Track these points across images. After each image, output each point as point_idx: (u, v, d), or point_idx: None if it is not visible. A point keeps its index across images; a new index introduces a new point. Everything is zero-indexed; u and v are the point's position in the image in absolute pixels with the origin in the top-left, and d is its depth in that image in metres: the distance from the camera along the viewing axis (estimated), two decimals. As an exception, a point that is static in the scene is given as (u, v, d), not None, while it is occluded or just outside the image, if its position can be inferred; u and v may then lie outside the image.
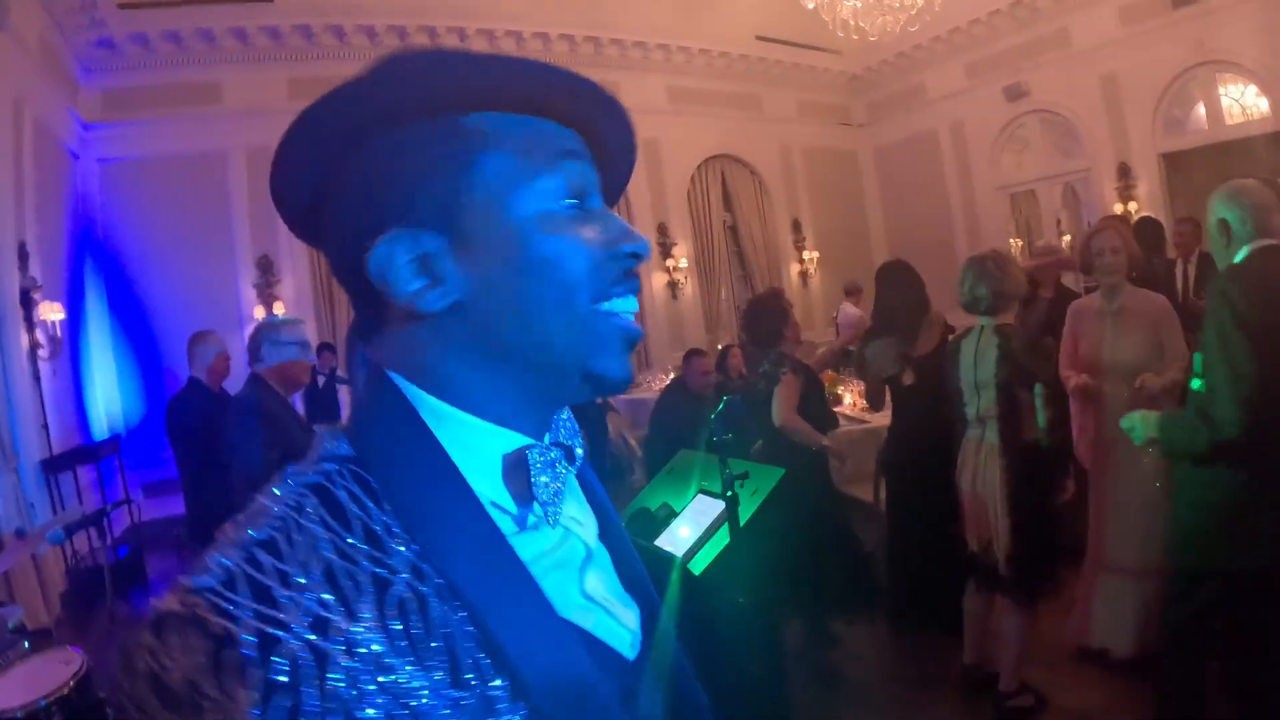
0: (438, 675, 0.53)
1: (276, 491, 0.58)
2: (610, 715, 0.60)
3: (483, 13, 9.05)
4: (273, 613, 0.50)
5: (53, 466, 5.79)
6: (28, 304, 5.83)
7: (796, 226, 11.22)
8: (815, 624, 3.71)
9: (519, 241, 0.61)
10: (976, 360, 3.01)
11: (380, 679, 0.50)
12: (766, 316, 3.70)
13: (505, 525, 0.61)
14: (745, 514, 2.69)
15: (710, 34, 10.10)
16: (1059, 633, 3.34)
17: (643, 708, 0.68)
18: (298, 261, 7.98)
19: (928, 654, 3.54)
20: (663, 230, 10.15)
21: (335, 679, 0.49)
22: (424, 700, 0.52)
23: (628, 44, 9.90)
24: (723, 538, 2.69)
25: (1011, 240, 10.08)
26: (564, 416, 0.70)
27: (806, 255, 11.17)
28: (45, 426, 5.87)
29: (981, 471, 3.00)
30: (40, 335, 6.03)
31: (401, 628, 0.53)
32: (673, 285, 10.15)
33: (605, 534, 0.74)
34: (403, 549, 0.56)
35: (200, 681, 0.48)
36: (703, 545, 2.78)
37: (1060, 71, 9.28)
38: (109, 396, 7.38)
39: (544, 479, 0.62)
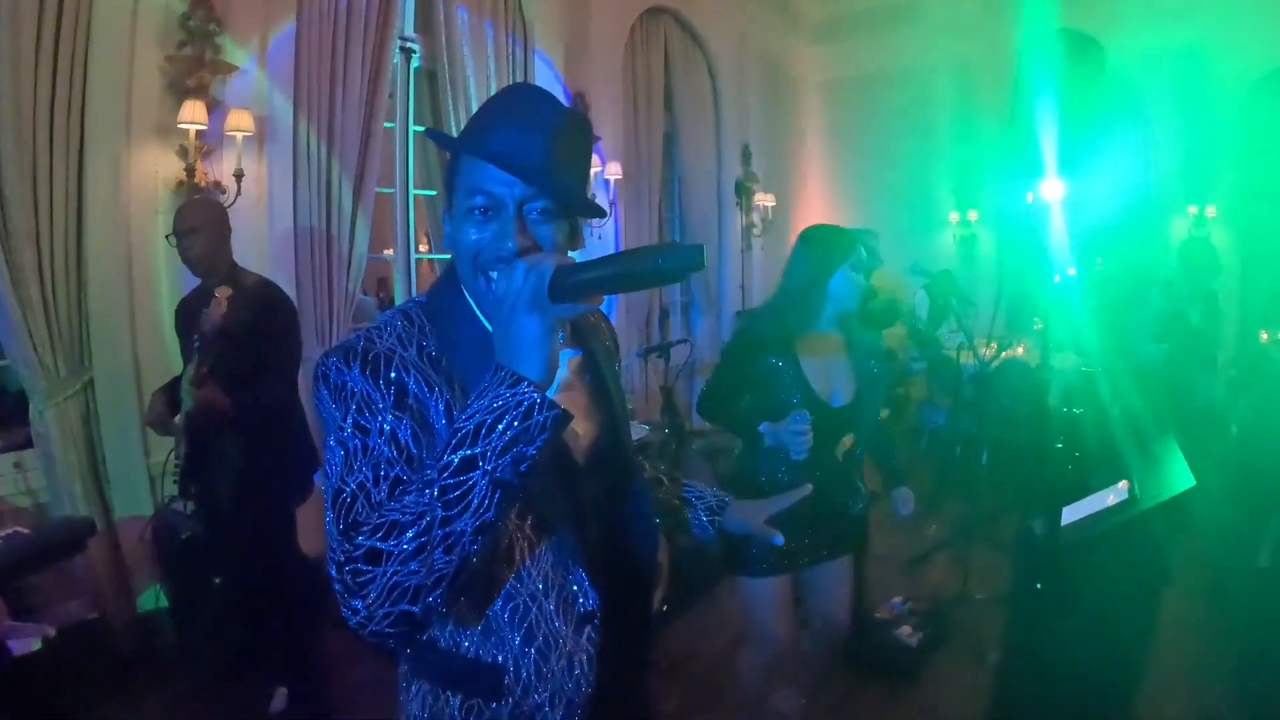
0: (435, 394, 1.05)
1: (388, 312, 1.16)
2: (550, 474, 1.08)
3: None
4: (376, 344, 1.04)
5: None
6: (742, 193, 7.76)
7: None
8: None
9: (457, 225, 1.09)
10: None
11: (414, 372, 1.04)
12: None
13: None
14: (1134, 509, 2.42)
15: None
16: None
17: (582, 485, 1.15)
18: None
19: None
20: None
21: (398, 370, 1.03)
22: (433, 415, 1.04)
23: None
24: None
25: None
26: None
27: None
28: (742, 286, 7.81)
29: None
30: (755, 217, 7.94)
31: (422, 362, 1.06)
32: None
33: (596, 391, 1.23)
34: (430, 338, 1.09)
35: (369, 381, 1.02)
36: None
37: None
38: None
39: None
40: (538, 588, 1.10)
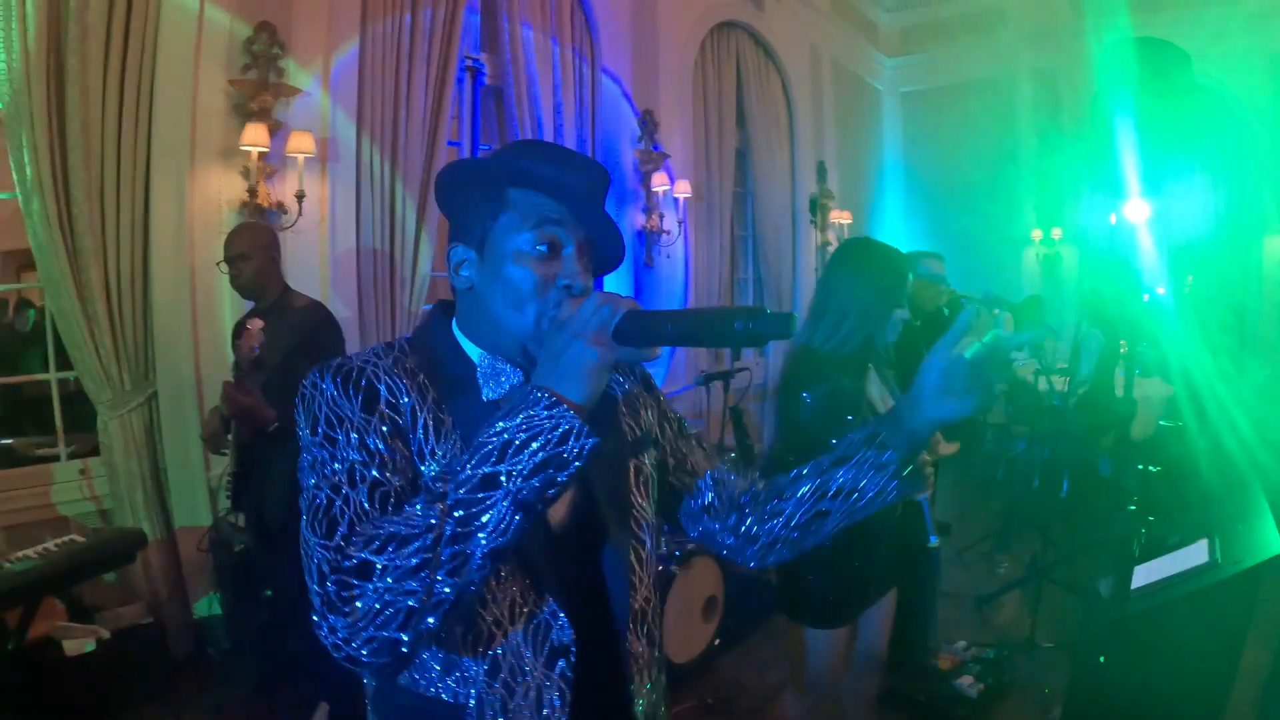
0: (409, 399, 1.02)
1: (381, 347, 1.11)
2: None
3: None
4: (350, 360, 1.02)
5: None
6: (817, 210, 7.57)
7: None
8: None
9: (503, 263, 1.05)
10: None
11: (385, 379, 1.02)
12: None
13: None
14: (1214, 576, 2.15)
15: None
16: None
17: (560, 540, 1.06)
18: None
19: None
20: None
21: (369, 379, 1.01)
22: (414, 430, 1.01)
23: None
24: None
25: None
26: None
27: None
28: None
29: None
30: (830, 235, 7.73)
31: (398, 371, 1.04)
32: None
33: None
34: (411, 358, 1.07)
35: (338, 390, 0.99)
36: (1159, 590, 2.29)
37: None
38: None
39: (490, 380, 1.08)
40: (503, 613, 1.00)
